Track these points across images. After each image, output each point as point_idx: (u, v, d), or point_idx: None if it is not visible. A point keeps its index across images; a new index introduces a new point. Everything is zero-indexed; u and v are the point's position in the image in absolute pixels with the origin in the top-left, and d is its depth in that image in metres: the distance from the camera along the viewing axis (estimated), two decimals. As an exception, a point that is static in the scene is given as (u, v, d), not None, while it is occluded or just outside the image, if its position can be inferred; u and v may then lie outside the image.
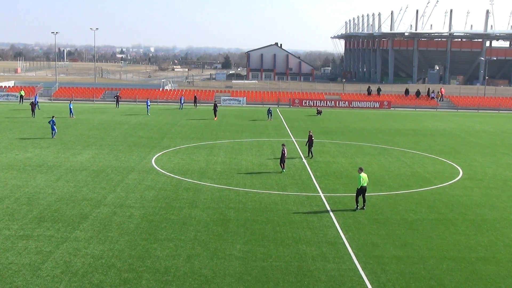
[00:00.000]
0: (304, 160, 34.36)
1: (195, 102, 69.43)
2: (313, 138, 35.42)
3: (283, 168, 30.24)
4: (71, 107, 54.78)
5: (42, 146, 37.05)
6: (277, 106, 68.94)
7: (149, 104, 60.57)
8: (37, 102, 62.22)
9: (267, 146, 39.45)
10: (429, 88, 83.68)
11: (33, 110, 52.28)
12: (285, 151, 30.15)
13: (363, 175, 22.85)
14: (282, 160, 30.13)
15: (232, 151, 37.13)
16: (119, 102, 67.30)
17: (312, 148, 35.34)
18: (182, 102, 67.03)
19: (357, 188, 22.96)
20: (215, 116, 56.29)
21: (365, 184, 22.82)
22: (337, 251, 18.18)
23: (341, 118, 60.56)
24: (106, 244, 18.21)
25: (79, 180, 27.24)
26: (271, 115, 56.76)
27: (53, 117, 41.29)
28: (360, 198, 23.22)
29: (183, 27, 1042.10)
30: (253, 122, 54.46)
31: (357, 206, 23.04)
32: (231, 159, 34.11)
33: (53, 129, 40.53)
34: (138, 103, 73.17)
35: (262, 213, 22.37)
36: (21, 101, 67.72)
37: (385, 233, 20.19)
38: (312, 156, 35.07)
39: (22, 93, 69.19)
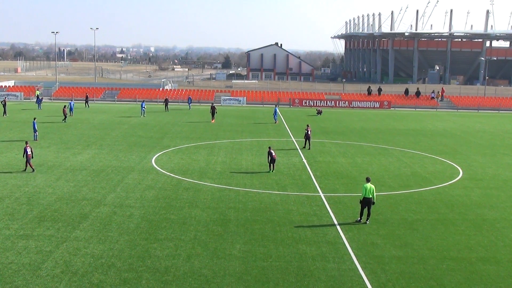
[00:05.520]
0: (304, 160, 34.37)
1: (166, 105, 63.77)
2: (309, 132, 38.89)
3: (272, 168, 30.44)
4: (72, 106, 54.92)
5: (42, 145, 37.06)
6: (276, 106, 68.65)
7: (144, 106, 57.60)
8: (40, 102, 62.30)
9: (267, 146, 39.33)
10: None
11: (65, 115, 50.55)
12: (272, 152, 30.25)
13: (368, 185, 21.10)
14: (272, 160, 30.26)
15: (232, 151, 37.14)
16: (88, 102, 65.92)
17: (310, 140, 38.82)
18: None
19: (360, 199, 21.40)
20: (213, 118, 54.20)
21: (370, 196, 21.00)
22: (337, 251, 18.18)
23: (341, 118, 60.56)
24: (106, 244, 18.22)
25: (79, 180, 27.25)
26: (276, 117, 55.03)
27: (34, 119, 40.85)
28: (365, 211, 21.37)
29: (183, 27, 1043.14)
30: (253, 122, 54.42)
31: (360, 218, 21.40)
32: (231, 159, 34.12)
33: (35, 131, 39.34)
34: (138, 103, 73.13)
35: (262, 213, 22.38)
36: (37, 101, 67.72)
37: (385, 233, 20.19)
38: (309, 147, 38.38)
39: (38, 93, 69.20)
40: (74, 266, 16.29)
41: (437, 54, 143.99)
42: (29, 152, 28.66)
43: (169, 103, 65.08)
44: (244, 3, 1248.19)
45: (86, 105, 65.08)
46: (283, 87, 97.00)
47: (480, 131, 52.52)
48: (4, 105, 54.66)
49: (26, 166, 28.98)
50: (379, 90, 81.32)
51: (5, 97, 64.12)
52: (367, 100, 76.14)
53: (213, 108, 55.43)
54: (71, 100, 58.70)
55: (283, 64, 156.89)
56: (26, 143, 29.33)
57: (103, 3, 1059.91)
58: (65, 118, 50.30)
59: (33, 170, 28.85)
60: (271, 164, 30.38)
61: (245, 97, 76.20)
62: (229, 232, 19.78)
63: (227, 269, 16.45)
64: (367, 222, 21.33)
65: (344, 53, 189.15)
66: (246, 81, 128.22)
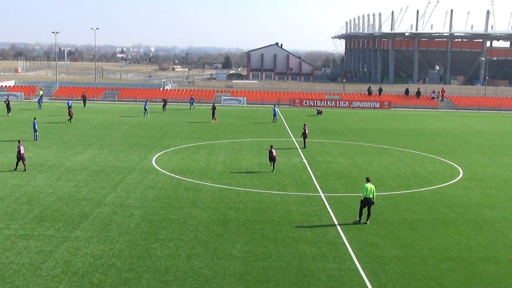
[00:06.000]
0: (304, 160, 34.38)
1: (164, 105, 62.28)
2: (307, 131, 39.88)
3: (272, 168, 30.65)
4: (70, 105, 54.85)
5: (42, 146, 37.08)
6: (276, 105, 68.86)
7: (146, 107, 57.33)
8: (41, 102, 62.35)
9: (267, 146, 39.38)
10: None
11: (71, 116, 50.32)
12: (273, 151, 30.40)
13: (368, 185, 21.08)
14: (272, 159, 30.42)
15: (232, 151, 37.15)
16: (86, 101, 66.05)
17: (306, 139, 39.81)
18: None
19: (361, 200, 21.32)
20: (213, 118, 53.92)
21: (370, 196, 20.98)
22: (337, 251, 18.18)
23: (341, 118, 60.55)
24: (106, 244, 18.23)
25: (79, 180, 27.26)
26: (275, 116, 55.21)
27: (35, 118, 40.72)
28: (365, 211, 21.31)
29: (184, 27, 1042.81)
30: (253, 122, 54.43)
31: (360, 219, 21.33)
32: (231, 159, 34.13)
33: (35, 130, 39.32)
34: (138, 102, 73.15)
35: (262, 213, 22.38)
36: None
37: (385, 233, 20.19)
38: (304, 146, 39.26)
39: (41, 92, 69.28)
40: (74, 266, 16.30)
41: (438, 54, 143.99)
42: (22, 151, 28.73)
43: (167, 104, 64.15)
44: (244, 3, 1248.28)
45: (84, 104, 65.10)
46: (284, 87, 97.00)
47: (480, 131, 52.52)
48: (8, 104, 55.49)
49: (24, 166, 29.01)
50: (380, 90, 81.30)
51: (8, 96, 64.57)
52: (368, 100, 76.14)
53: (213, 108, 55.42)
54: (69, 100, 58.74)
55: (284, 64, 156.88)
56: (19, 142, 29.41)
57: (103, 3, 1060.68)
58: (70, 118, 50.32)
59: (16, 169, 28.95)
60: (271, 162, 30.52)
61: (245, 97, 76.21)
62: (229, 232, 19.79)
63: (227, 269, 16.45)
64: (367, 222, 21.31)
65: (345, 53, 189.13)
66: (246, 81, 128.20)
